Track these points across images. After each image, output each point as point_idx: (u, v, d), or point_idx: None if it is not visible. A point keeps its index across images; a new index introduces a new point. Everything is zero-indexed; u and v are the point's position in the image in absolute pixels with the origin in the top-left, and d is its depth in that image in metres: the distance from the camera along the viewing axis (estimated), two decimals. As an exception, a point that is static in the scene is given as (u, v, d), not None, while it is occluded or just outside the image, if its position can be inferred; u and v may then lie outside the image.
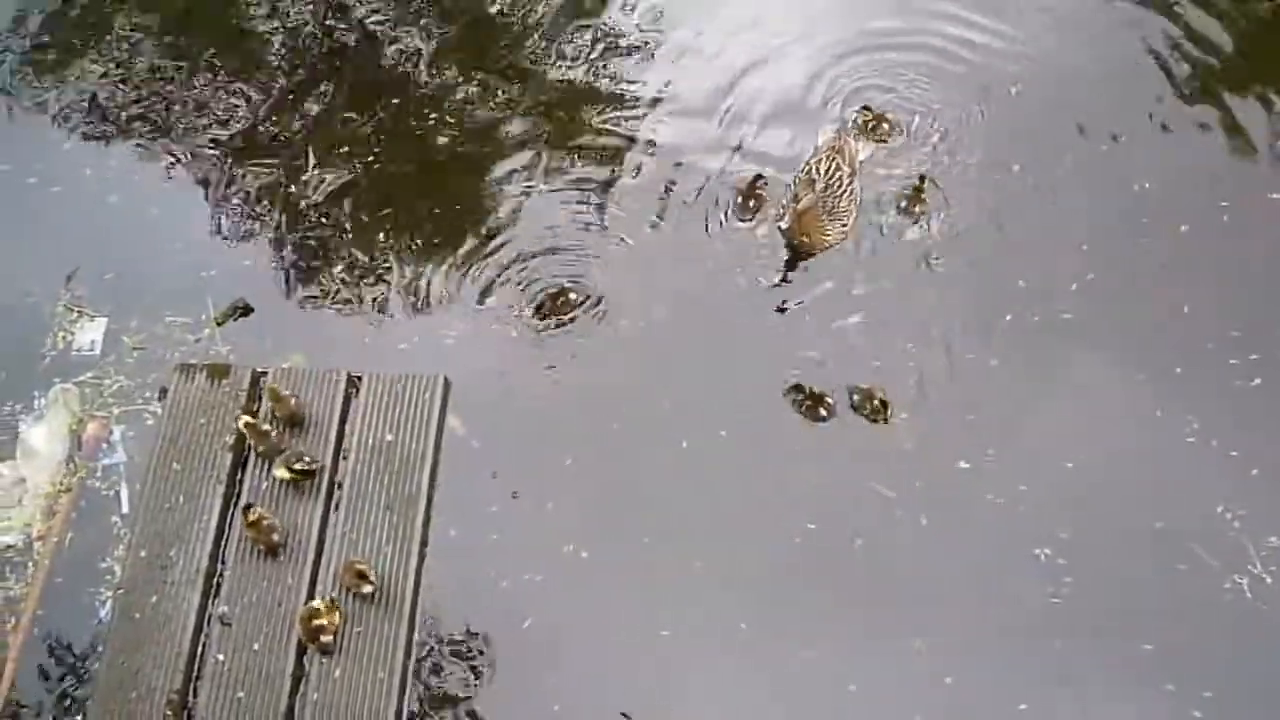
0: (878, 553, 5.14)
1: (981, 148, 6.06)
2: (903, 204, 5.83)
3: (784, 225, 5.68)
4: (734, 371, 5.57)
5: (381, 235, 6.05)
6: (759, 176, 5.92)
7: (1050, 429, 5.36)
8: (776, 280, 5.71)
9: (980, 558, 5.11)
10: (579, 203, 6.05)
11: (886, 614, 5.02)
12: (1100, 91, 6.20)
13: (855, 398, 5.37)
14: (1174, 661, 4.85)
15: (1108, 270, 5.69)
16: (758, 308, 5.71)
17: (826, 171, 5.62)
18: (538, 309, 5.72)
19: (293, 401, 5.27)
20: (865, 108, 6.14)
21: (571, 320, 5.69)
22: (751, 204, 5.86)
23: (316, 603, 4.91)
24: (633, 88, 6.38)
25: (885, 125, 6.05)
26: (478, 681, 4.99)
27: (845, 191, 5.61)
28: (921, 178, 5.84)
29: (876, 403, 5.34)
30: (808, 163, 5.75)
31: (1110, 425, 5.36)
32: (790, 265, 5.71)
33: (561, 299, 5.70)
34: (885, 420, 5.33)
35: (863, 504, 5.23)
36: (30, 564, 5.31)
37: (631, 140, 6.22)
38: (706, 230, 5.91)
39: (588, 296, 5.75)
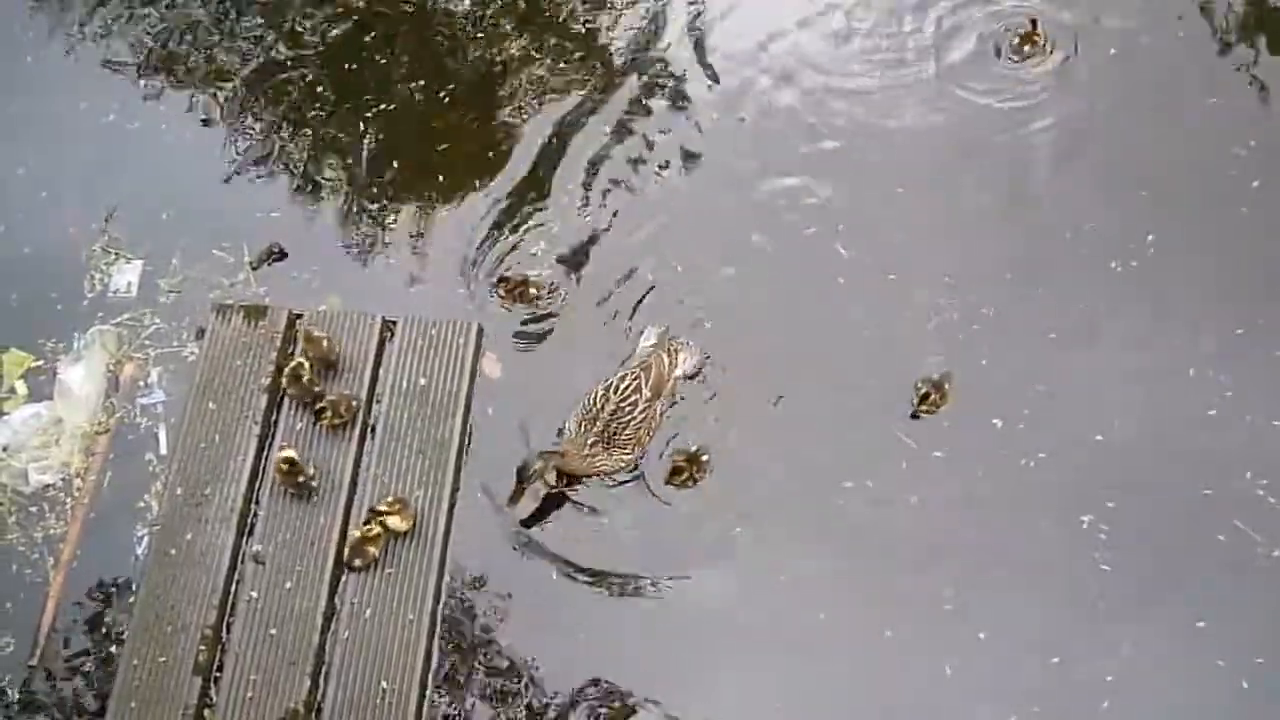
0: (912, 508, 5.08)
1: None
2: None
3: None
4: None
5: (428, 182, 6.03)
6: None
7: (1091, 389, 5.26)
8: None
9: (1023, 520, 5.04)
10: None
11: (924, 570, 4.97)
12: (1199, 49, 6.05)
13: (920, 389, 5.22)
14: (1222, 632, 4.77)
15: (1179, 224, 5.56)
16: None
17: (622, 391, 4.97)
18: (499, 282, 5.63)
19: (325, 344, 5.27)
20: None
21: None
22: None
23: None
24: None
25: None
26: (505, 624, 5.02)
27: (635, 420, 4.95)
28: None
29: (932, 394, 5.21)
30: (608, 381, 5.06)
31: (1153, 389, 5.24)
32: (563, 482, 5.19)
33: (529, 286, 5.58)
34: (935, 410, 5.21)
35: (893, 457, 5.18)
36: (69, 502, 5.38)
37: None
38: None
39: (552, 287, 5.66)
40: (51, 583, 5.24)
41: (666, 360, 5.18)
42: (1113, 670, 4.74)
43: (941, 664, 4.82)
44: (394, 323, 5.50)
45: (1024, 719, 4.71)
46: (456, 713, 4.88)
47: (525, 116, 6.14)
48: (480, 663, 4.96)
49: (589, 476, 5.10)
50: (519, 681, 4.91)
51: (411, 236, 5.88)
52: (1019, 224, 5.67)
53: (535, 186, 5.95)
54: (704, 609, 4.96)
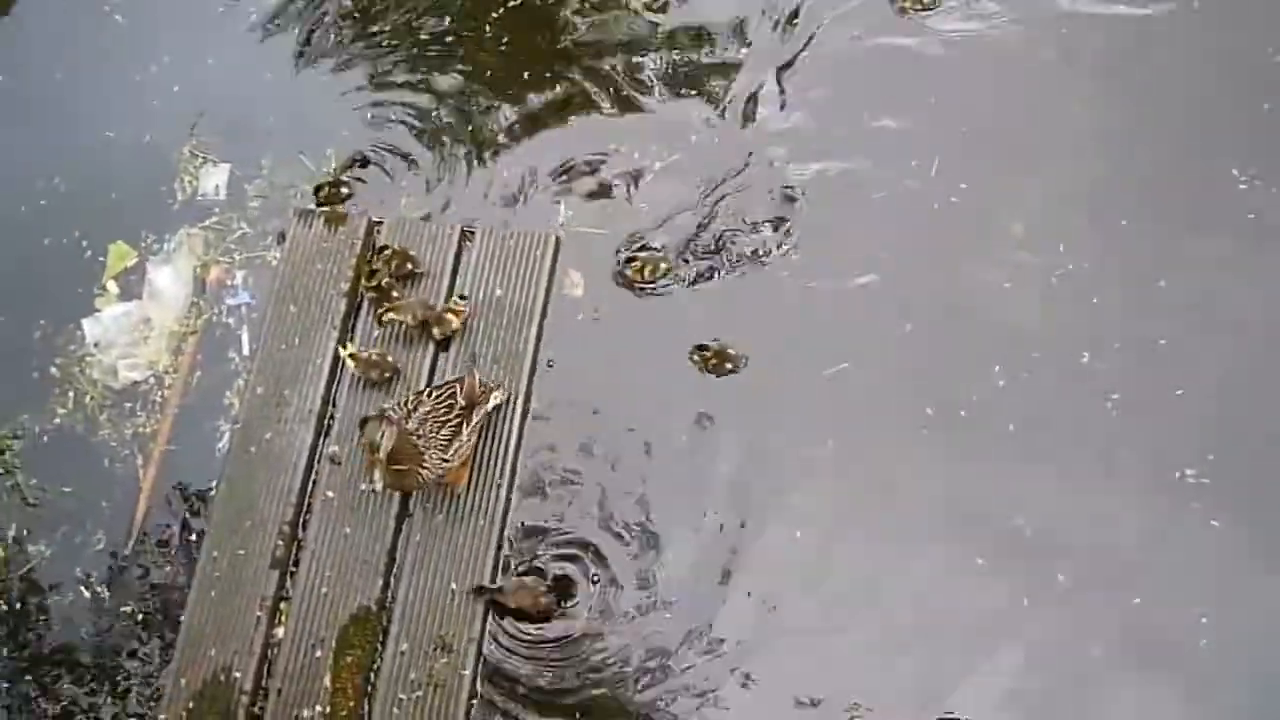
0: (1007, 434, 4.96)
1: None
2: None
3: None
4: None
5: (518, 96, 5.92)
6: None
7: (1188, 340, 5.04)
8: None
9: (1102, 465, 4.88)
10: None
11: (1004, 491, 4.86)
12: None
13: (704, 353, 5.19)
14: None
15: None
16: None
17: (437, 395, 4.73)
18: None
19: (404, 252, 5.31)
20: None
21: None
22: None
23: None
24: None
25: None
26: (568, 527, 5.05)
27: (451, 423, 4.68)
28: None
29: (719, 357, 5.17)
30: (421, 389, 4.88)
31: (1248, 341, 5.01)
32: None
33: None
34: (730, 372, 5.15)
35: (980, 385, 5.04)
36: (158, 399, 5.52)
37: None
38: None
39: None
40: (143, 478, 5.38)
41: (478, 385, 4.87)
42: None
43: (1020, 597, 4.73)
44: (472, 232, 5.47)
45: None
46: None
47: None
48: (546, 562, 5.01)
49: (412, 465, 4.62)
50: (582, 584, 4.95)
51: (496, 148, 5.81)
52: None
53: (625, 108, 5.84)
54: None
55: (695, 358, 5.19)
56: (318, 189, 5.71)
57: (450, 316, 5.18)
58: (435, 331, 5.18)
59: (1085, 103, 5.51)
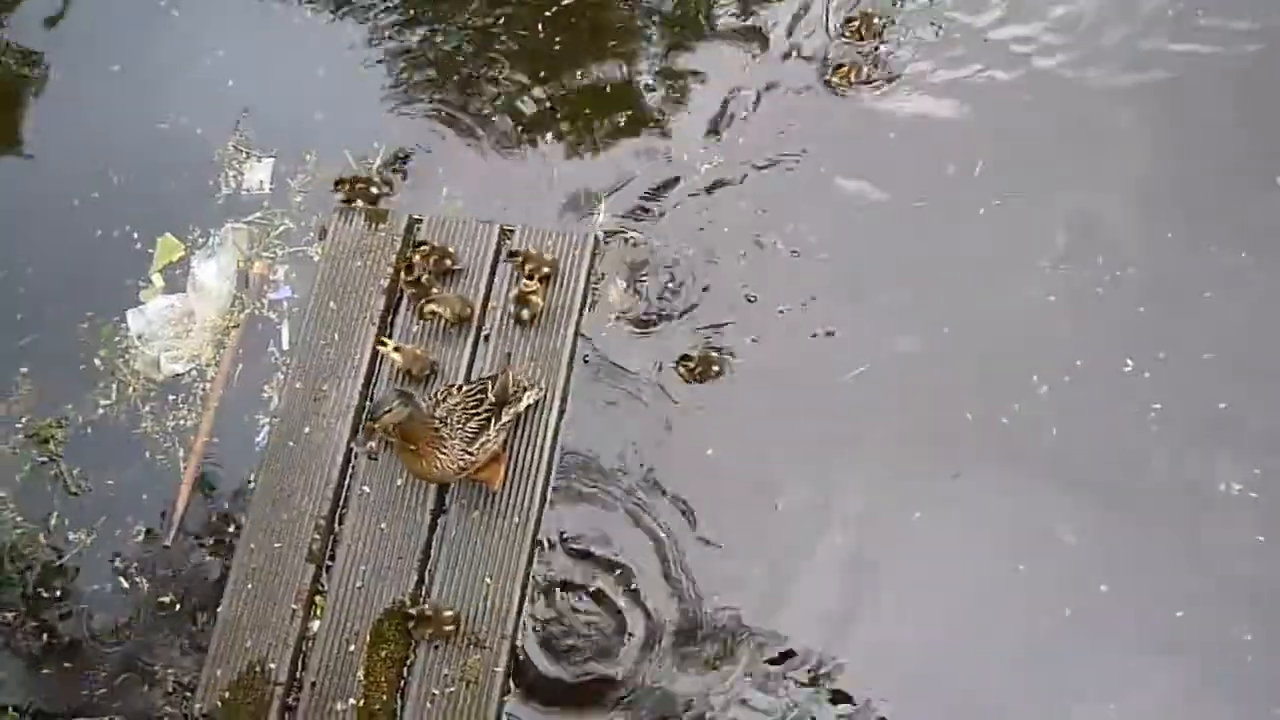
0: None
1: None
2: None
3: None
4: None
5: (564, 93, 5.93)
6: None
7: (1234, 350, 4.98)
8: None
9: (1149, 472, 4.83)
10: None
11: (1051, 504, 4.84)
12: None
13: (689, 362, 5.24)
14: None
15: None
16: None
17: (466, 391, 4.71)
18: None
19: (442, 249, 5.36)
20: None
21: None
22: None
23: None
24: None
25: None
26: (603, 530, 5.06)
27: (479, 417, 4.66)
28: None
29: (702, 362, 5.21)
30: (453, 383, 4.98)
31: None
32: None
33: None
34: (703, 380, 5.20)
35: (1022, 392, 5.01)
36: (200, 392, 5.57)
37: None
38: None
39: None
40: (184, 470, 5.43)
41: (511, 385, 4.83)
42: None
43: (1062, 607, 4.70)
44: (511, 230, 5.49)
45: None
46: (553, 613, 4.98)
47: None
48: (578, 561, 5.03)
49: (426, 448, 4.55)
50: (614, 581, 4.97)
51: (540, 148, 5.82)
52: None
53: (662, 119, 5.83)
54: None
55: (680, 369, 5.22)
56: (338, 183, 5.71)
57: (535, 300, 5.21)
58: (524, 313, 5.21)
59: (1129, 113, 5.44)
